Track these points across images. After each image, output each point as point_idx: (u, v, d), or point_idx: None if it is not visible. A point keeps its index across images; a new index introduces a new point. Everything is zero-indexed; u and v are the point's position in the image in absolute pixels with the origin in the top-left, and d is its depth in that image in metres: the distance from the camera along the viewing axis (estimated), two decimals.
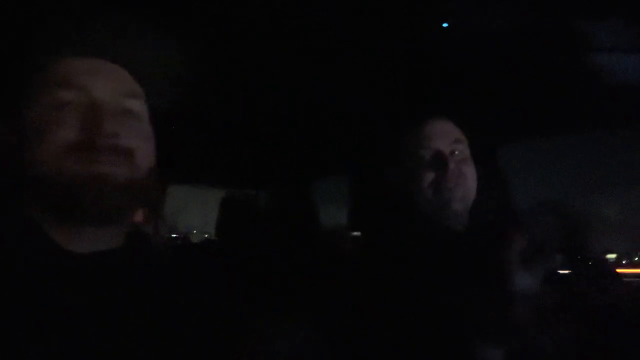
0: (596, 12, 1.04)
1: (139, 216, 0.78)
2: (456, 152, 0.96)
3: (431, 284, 0.81)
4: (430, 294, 0.79)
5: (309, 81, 1.44)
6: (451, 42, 1.16)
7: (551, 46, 1.16)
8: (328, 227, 2.56)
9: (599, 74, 1.13)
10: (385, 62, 1.29)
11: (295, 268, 2.06)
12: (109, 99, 0.60)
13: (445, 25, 1.07)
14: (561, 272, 0.92)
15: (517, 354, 0.61)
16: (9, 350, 0.49)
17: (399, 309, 0.81)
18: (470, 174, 0.97)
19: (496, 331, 0.61)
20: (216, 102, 1.62)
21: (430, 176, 0.94)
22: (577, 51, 1.14)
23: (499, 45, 1.16)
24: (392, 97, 1.49)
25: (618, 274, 1.02)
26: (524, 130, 1.54)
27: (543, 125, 1.50)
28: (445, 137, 0.97)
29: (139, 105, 0.64)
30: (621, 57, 1.13)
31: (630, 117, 1.35)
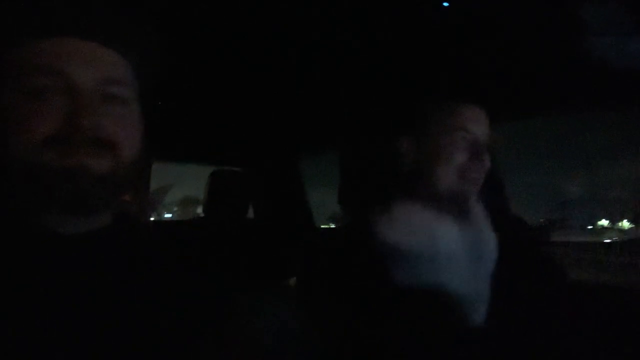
0: None
1: (124, 196, 0.76)
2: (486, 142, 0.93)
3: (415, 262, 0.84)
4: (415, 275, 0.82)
5: (302, 55, 1.40)
6: (451, 21, 1.13)
7: (550, 29, 1.13)
8: (316, 204, 2.57)
9: (600, 57, 1.11)
10: (383, 37, 1.25)
11: (282, 245, 2.06)
12: (90, 85, 0.54)
13: (445, 4, 1.04)
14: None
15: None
16: None
17: (384, 284, 0.82)
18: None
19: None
20: (203, 77, 1.57)
21: (459, 160, 0.91)
22: (575, 33, 1.12)
23: (499, 25, 1.13)
24: (387, 73, 1.46)
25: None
26: (519, 112, 1.53)
27: (539, 106, 1.48)
28: (483, 124, 0.94)
29: (124, 90, 0.58)
30: (618, 40, 1.11)
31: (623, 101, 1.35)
